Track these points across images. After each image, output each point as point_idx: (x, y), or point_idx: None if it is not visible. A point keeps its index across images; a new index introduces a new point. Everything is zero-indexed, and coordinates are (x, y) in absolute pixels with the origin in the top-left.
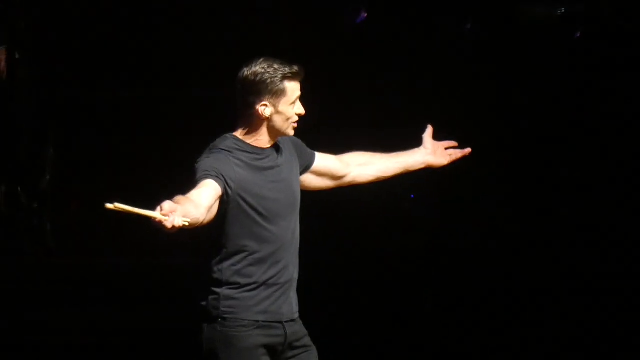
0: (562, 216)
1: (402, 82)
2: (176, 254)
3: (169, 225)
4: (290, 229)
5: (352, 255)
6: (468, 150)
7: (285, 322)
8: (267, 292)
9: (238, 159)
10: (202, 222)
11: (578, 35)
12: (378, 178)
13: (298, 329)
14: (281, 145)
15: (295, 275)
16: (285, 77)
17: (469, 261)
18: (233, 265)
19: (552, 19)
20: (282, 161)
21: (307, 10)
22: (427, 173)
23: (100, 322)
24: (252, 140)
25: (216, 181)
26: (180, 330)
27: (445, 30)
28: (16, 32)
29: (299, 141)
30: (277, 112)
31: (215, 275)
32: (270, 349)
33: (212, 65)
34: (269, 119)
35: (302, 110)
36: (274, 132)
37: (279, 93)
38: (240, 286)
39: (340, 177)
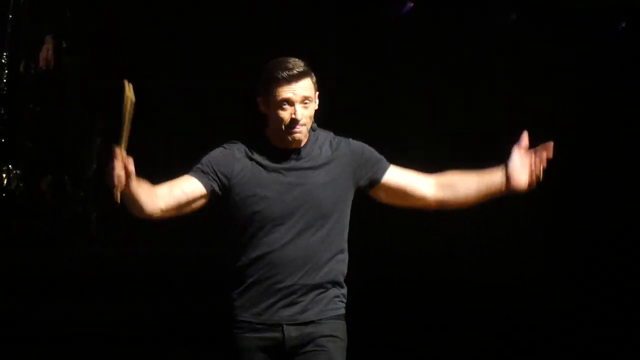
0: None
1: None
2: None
3: (111, 170)
4: (301, 233)
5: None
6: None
7: (288, 324)
8: (263, 294)
9: (247, 154)
10: (153, 215)
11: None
12: (466, 201)
13: (310, 331)
14: (322, 149)
15: (304, 282)
16: (274, 76)
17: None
18: (234, 262)
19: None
20: (310, 164)
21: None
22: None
23: (143, 312)
24: (272, 137)
25: (200, 178)
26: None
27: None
28: (63, 22)
29: (367, 150)
30: (269, 112)
31: (228, 273)
32: (271, 353)
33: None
34: (269, 117)
35: (295, 115)
36: (278, 132)
37: (268, 92)
38: (238, 286)
39: (420, 198)
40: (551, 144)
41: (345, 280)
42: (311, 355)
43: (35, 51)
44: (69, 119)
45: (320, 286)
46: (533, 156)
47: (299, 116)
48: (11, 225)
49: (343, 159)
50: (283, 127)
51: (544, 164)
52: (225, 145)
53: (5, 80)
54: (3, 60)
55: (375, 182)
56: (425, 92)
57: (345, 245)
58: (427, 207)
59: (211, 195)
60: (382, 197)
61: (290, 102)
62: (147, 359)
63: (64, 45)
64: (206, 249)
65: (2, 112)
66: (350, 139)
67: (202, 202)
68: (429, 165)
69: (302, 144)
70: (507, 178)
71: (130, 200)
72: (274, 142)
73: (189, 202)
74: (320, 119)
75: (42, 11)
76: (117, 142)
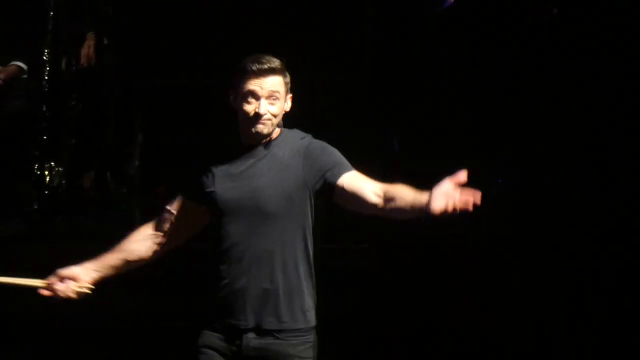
0: None
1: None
2: None
3: (50, 294)
4: (255, 234)
5: (439, 242)
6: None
7: (246, 330)
8: (224, 294)
9: (213, 156)
10: (157, 254)
11: None
12: (401, 216)
13: (272, 347)
14: (279, 149)
15: (269, 286)
16: (242, 70)
17: (560, 248)
18: (211, 261)
19: None
20: (264, 163)
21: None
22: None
23: (192, 307)
24: (241, 134)
25: (183, 199)
26: None
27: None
28: (104, 18)
29: (326, 153)
30: (236, 105)
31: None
32: (226, 355)
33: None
34: (238, 111)
35: (259, 109)
36: (243, 127)
37: (235, 85)
38: (210, 283)
39: (370, 207)
40: (479, 194)
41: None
42: None
43: (77, 48)
44: (111, 115)
45: (274, 291)
46: (459, 193)
47: (262, 110)
48: (55, 222)
49: (298, 159)
50: (247, 120)
51: (468, 206)
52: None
53: (46, 78)
54: (44, 58)
55: (329, 186)
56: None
57: (307, 250)
58: (374, 214)
59: (200, 201)
60: (339, 202)
61: (256, 96)
62: None
63: (105, 42)
64: None
65: (44, 109)
66: (314, 140)
67: (197, 216)
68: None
69: (265, 140)
70: (429, 200)
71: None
72: (242, 140)
73: (184, 223)
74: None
75: (83, 8)
76: None
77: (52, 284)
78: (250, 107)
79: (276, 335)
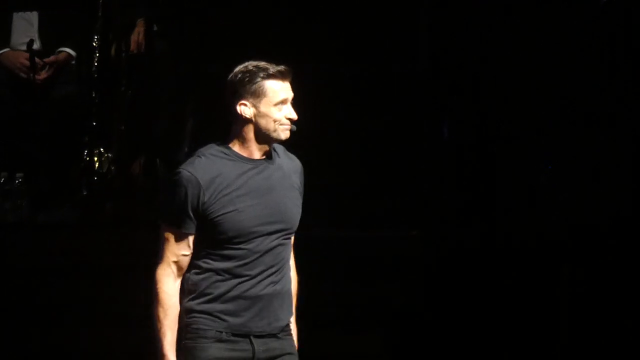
0: None
1: None
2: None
3: None
4: (270, 246)
5: (488, 232)
6: None
7: (256, 336)
8: (232, 306)
9: (219, 168)
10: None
11: None
12: None
13: (277, 346)
14: (279, 159)
15: (279, 288)
16: (266, 76)
17: (609, 237)
18: (197, 275)
19: None
20: (275, 174)
21: None
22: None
23: None
24: (239, 147)
25: (189, 229)
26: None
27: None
28: (154, 5)
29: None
30: (259, 113)
31: (182, 287)
32: None
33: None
34: (252, 122)
35: (292, 114)
36: (260, 136)
37: (259, 92)
38: (202, 296)
39: None
40: None
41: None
42: None
43: (127, 35)
44: (161, 102)
45: (282, 294)
46: None
47: (294, 115)
48: (104, 208)
49: (296, 175)
50: (275, 125)
51: None
52: (186, 175)
53: (96, 64)
54: (94, 44)
55: None
56: None
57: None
58: None
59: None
60: None
61: (285, 101)
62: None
63: (155, 29)
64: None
65: (94, 95)
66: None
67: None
68: None
69: (268, 151)
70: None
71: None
72: (240, 152)
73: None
74: None
75: None
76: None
77: None
78: (280, 114)
79: (277, 335)
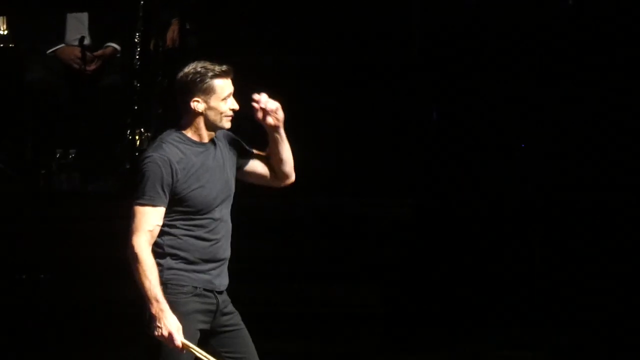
0: None
1: None
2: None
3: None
4: (224, 215)
5: (469, 205)
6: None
7: (217, 292)
8: (205, 267)
9: (181, 151)
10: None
11: None
12: (283, 164)
13: (225, 298)
14: (218, 141)
15: (228, 254)
16: (214, 76)
17: (582, 211)
18: (174, 239)
19: None
20: (219, 154)
21: None
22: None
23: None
24: (192, 134)
25: (163, 203)
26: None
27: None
28: (187, 4)
29: (237, 138)
30: (209, 107)
31: (159, 249)
32: (207, 315)
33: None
34: (203, 114)
35: (235, 106)
36: (209, 125)
37: (209, 90)
38: (180, 258)
39: (264, 179)
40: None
41: None
42: (235, 333)
43: (164, 32)
44: None
45: (228, 259)
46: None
47: (237, 106)
48: None
49: (229, 147)
50: (222, 116)
51: (272, 115)
52: (159, 157)
53: (137, 57)
54: (136, 40)
55: (243, 164)
56: None
57: None
58: (271, 185)
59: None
60: (245, 176)
61: (229, 95)
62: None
63: (187, 27)
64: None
65: (135, 83)
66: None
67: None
68: None
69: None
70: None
71: None
72: (192, 137)
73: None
74: None
75: None
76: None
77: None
78: (226, 106)
79: (224, 292)
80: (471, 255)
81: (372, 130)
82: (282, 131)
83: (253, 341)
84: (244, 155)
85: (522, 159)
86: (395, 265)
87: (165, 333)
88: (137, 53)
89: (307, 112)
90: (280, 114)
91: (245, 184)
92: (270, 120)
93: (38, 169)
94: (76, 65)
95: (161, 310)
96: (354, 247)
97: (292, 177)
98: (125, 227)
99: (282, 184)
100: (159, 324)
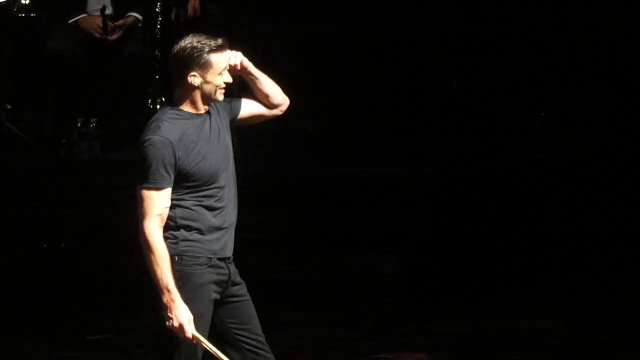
0: None
1: None
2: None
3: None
4: (230, 181)
5: (488, 173)
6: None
7: (227, 260)
8: (216, 235)
9: (180, 128)
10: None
11: None
12: (270, 95)
13: (235, 269)
14: (211, 108)
15: (235, 218)
16: (210, 51)
17: (601, 179)
18: (186, 211)
19: None
20: (215, 122)
21: None
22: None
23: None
24: (189, 107)
25: (169, 184)
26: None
27: None
28: None
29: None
30: (206, 81)
31: (172, 223)
32: (220, 285)
33: None
34: (199, 88)
35: (229, 79)
36: (205, 98)
37: (206, 65)
38: (193, 229)
39: (262, 115)
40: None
41: None
42: (242, 304)
43: (184, 1)
44: None
45: (234, 224)
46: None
47: (231, 80)
48: None
49: (222, 112)
50: (217, 89)
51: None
52: (159, 139)
53: (159, 27)
54: (157, 9)
55: (236, 116)
56: None
57: None
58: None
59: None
60: (242, 123)
61: (224, 68)
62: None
63: None
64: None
65: (157, 53)
66: None
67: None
68: None
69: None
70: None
71: None
72: (189, 110)
73: None
74: None
75: None
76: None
77: None
78: (221, 79)
79: (233, 262)
80: (489, 224)
81: (390, 99)
82: (253, 70)
83: (270, 311)
84: (234, 108)
85: (541, 127)
86: (415, 234)
87: (176, 324)
88: (159, 23)
89: (328, 82)
90: (242, 59)
91: (265, 152)
92: (238, 68)
93: (59, 139)
94: (97, 35)
95: (172, 300)
96: (373, 216)
97: (286, 102)
98: (134, 212)
99: (280, 112)
100: (170, 314)
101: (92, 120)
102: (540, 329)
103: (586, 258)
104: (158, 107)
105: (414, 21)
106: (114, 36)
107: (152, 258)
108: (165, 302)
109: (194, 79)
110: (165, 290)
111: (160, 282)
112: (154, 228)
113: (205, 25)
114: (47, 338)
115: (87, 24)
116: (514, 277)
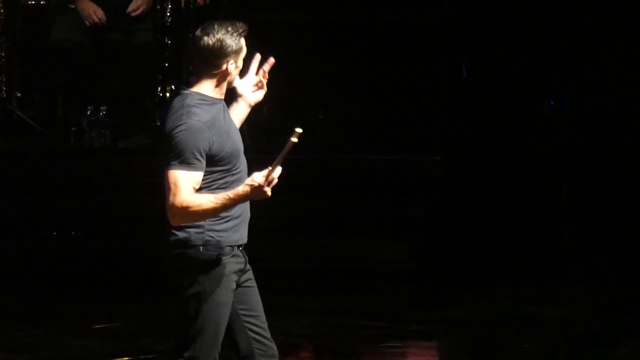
0: None
1: None
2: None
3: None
4: (245, 166)
5: (497, 161)
6: (270, 62)
7: (244, 248)
8: (236, 221)
9: (210, 113)
10: None
11: None
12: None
13: (246, 257)
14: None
15: (248, 206)
16: (239, 35)
17: (611, 167)
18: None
19: None
20: (225, 107)
21: None
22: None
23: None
24: (214, 93)
25: (200, 169)
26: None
27: None
28: None
29: None
30: (237, 66)
31: None
32: (238, 274)
33: None
34: (228, 74)
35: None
36: (229, 83)
37: (238, 50)
38: (220, 218)
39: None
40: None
41: None
42: (251, 290)
43: None
44: None
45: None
46: (260, 74)
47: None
48: None
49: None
50: (232, 78)
51: (266, 75)
52: (194, 123)
53: (169, 14)
54: None
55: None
56: None
57: None
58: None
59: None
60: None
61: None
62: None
63: None
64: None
65: (167, 40)
66: None
67: None
68: None
69: None
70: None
71: None
72: (214, 96)
73: None
74: None
75: None
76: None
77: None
78: (240, 65)
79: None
80: (499, 212)
81: (400, 86)
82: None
83: (280, 298)
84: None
85: (551, 115)
86: (425, 221)
87: (266, 191)
88: (169, 10)
89: (337, 69)
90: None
91: (275, 140)
92: (262, 87)
93: (69, 126)
94: (88, 23)
95: (237, 194)
96: (383, 203)
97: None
98: (164, 196)
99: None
100: (255, 193)
101: (102, 107)
102: (549, 315)
103: (594, 245)
104: (168, 94)
105: (424, 8)
106: (138, 11)
107: (199, 210)
108: (243, 195)
109: (231, 66)
110: (230, 202)
111: (223, 207)
112: (188, 196)
113: (215, 12)
114: (56, 326)
115: (82, 8)
116: (523, 264)
